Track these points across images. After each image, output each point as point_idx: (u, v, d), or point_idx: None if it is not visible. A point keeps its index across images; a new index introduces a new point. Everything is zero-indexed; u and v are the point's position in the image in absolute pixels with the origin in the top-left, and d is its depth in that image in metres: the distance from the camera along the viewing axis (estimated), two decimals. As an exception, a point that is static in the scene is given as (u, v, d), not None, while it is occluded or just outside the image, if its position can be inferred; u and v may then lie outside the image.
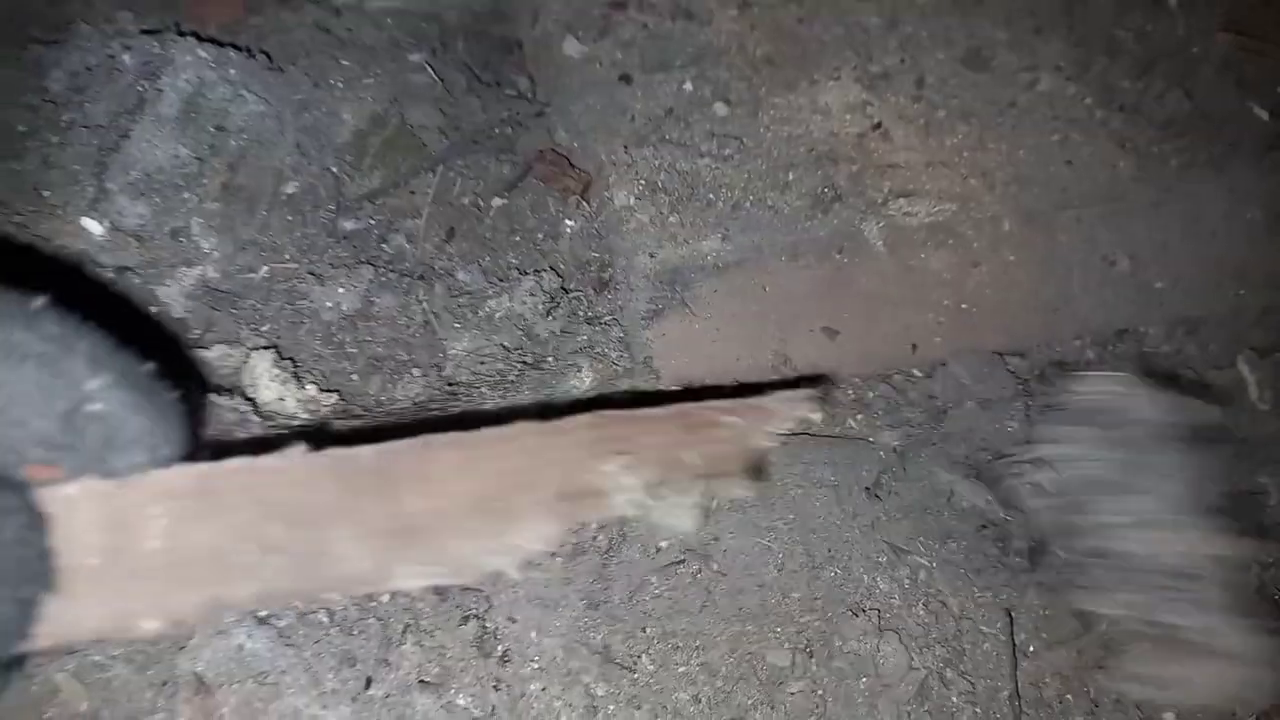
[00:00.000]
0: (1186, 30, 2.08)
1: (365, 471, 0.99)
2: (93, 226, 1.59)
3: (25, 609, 0.84)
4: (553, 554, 1.24)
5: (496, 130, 1.99)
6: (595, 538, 1.40)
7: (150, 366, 0.92)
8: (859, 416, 1.68)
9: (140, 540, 0.91)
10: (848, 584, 1.47)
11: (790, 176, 1.78)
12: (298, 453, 0.98)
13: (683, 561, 1.41)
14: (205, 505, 0.93)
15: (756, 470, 1.17)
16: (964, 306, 1.77)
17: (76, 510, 0.89)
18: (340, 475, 0.99)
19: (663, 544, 1.43)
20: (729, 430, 1.15)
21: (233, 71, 1.82)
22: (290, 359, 1.56)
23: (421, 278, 1.73)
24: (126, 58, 1.75)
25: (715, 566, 1.43)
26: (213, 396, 1.46)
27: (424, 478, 1.02)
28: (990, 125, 1.91)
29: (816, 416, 1.23)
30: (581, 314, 1.70)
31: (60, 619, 0.87)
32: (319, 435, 1.13)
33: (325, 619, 1.33)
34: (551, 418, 1.10)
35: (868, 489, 1.55)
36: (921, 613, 1.47)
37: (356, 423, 1.50)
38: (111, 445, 0.88)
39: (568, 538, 1.35)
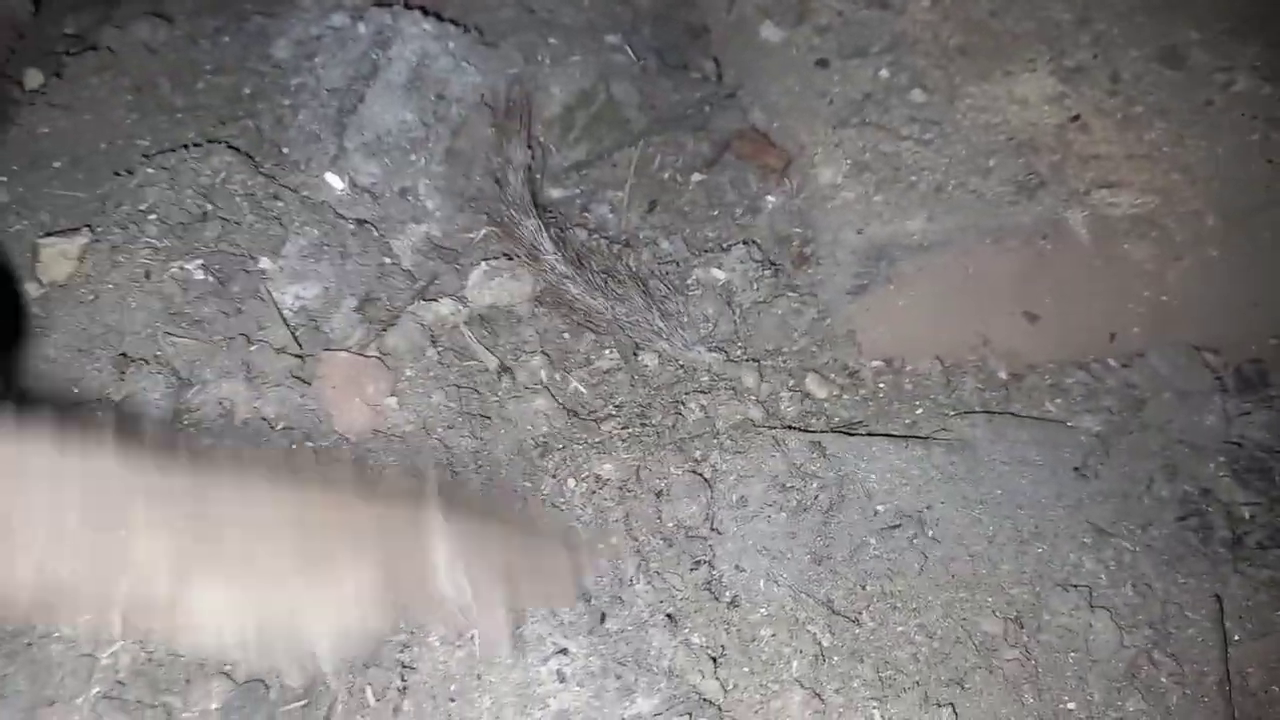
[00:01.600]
0: (1392, 33, 2.05)
1: (178, 490, 0.93)
2: (334, 181, 1.69)
3: None
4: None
5: (691, 110, 2.05)
6: (817, 497, 1.44)
7: None
8: (1057, 400, 1.70)
9: None
10: (1055, 560, 1.49)
11: (991, 163, 1.80)
12: (109, 440, 0.93)
13: (899, 526, 1.45)
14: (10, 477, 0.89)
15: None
16: (1164, 299, 1.77)
17: None
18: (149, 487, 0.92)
19: (880, 508, 1.46)
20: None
21: (452, 44, 1.91)
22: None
23: (628, 244, 1.79)
24: (361, 27, 1.85)
25: (929, 533, 1.46)
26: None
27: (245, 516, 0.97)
28: (1188, 122, 1.91)
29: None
30: (783, 285, 1.75)
31: None
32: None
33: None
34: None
35: (1074, 469, 1.56)
36: (1129, 593, 1.48)
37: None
38: None
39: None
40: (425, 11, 1.93)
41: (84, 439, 0.91)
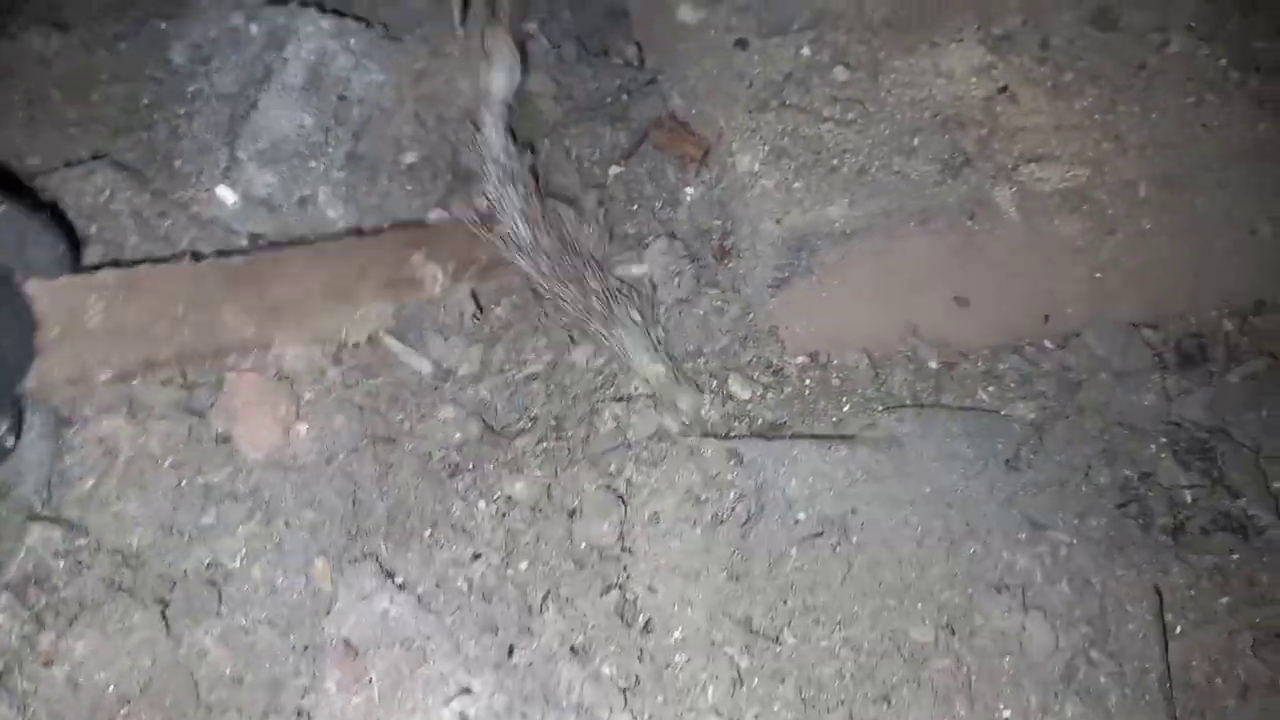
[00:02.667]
0: (1331, -14, 1.98)
1: (238, 271, 1.41)
2: (226, 195, 1.61)
3: (23, 363, 1.25)
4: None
5: (609, 99, 1.97)
6: (734, 508, 1.38)
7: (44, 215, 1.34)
8: (990, 388, 1.64)
9: (85, 320, 1.30)
10: (987, 560, 1.43)
11: (916, 141, 1.73)
12: (187, 261, 1.43)
13: (821, 534, 1.39)
14: (128, 294, 1.33)
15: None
16: (1098, 275, 1.71)
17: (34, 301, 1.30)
18: (220, 274, 1.40)
19: (800, 516, 1.40)
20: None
21: (353, 41, 1.82)
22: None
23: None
24: (254, 28, 1.76)
25: (854, 540, 1.40)
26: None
27: (283, 275, 1.42)
28: (1121, 88, 1.84)
29: None
30: (705, 282, 1.68)
31: (39, 374, 1.27)
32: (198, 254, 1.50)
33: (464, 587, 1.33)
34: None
35: (1006, 461, 1.50)
36: (1065, 590, 1.42)
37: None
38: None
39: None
40: (323, 9, 1.84)
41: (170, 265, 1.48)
